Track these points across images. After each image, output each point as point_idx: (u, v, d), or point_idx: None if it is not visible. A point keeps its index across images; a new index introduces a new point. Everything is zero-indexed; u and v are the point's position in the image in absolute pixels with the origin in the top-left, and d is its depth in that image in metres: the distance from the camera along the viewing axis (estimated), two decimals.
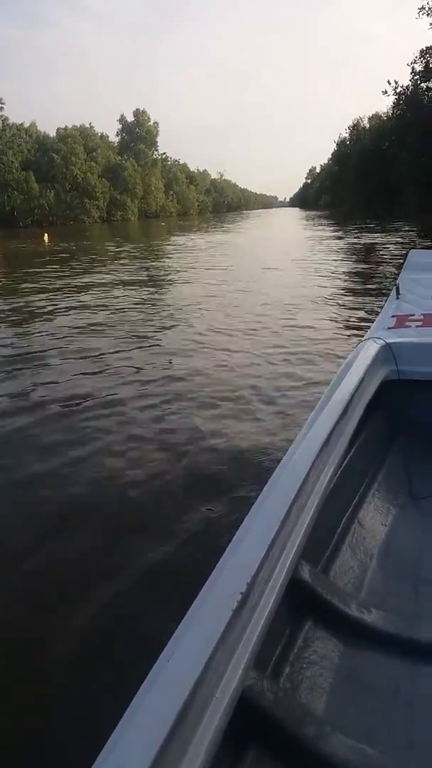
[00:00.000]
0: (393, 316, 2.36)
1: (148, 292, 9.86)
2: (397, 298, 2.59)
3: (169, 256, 18.59)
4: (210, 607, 0.79)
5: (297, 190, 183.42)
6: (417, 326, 2.21)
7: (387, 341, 2.00)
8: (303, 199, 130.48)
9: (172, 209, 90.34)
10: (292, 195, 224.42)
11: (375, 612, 1.16)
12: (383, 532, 1.57)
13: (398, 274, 2.98)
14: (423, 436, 2.01)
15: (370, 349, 1.91)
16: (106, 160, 74.53)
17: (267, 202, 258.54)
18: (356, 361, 1.81)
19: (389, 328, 2.23)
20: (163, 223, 58.14)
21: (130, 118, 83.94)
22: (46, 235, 30.82)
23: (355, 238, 19.95)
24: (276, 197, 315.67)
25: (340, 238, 21.08)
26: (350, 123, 68.37)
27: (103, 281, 11.51)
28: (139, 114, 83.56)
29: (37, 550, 2.31)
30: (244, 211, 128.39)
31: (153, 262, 16.56)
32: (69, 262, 16.59)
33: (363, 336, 2.27)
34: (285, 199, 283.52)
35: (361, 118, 65.94)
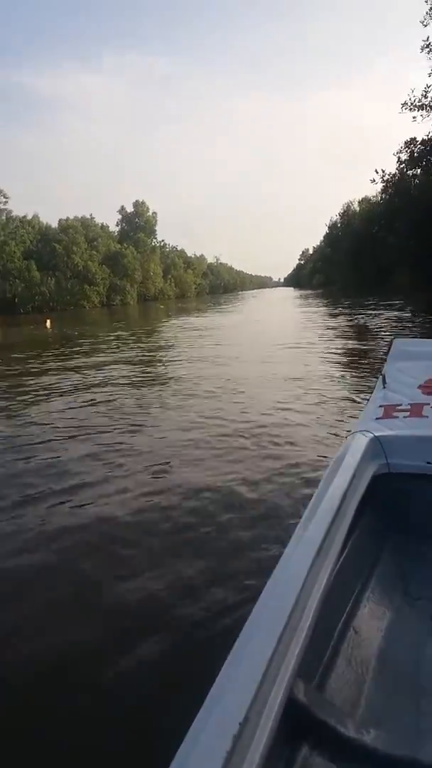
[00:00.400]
0: (380, 406, 2.37)
1: (142, 374, 10.21)
2: (384, 388, 2.60)
3: (167, 339, 18.97)
4: (204, 747, 0.76)
5: (291, 271, 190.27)
6: (404, 416, 2.22)
7: (375, 434, 1.99)
8: (297, 280, 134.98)
9: (170, 292, 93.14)
10: (286, 275, 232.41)
11: (374, 732, 1.09)
12: (379, 638, 1.51)
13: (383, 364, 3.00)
14: (415, 531, 1.97)
15: (359, 443, 1.91)
16: (107, 248, 77.50)
17: (262, 283, 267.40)
18: (346, 456, 1.80)
19: (377, 418, 2.24)
20: (162, 306, 59.54)
21: (129, 209, 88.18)
22: (48, 320, 31.41)
23: (349, 317, 20.15)
24: (270, 278, 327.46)
25: (333, 317, 21.34)
26: (341, 206, 71.71)
27: (100, 364, 11.91)
28: (138, 205, 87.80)
29: None
30: (240, 292, 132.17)
31: (150, 345, 16.91)
32: (68, 346, 17.16)
33: (352, 425, 2.30)
34: (279, 279, 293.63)
35: (351, 202, 69.32)
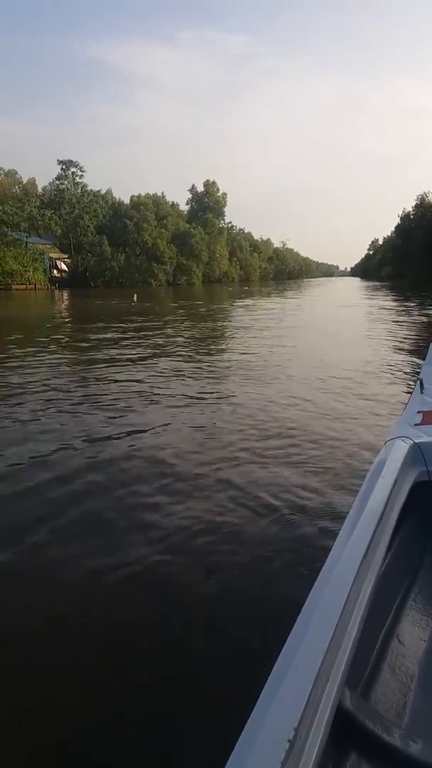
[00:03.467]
0: (419, 412, 2.33)
1: (218, 345, 12.21)
2: (422, 393, 2.57)
3: (239, 315, 21.66)
4: (260, 750, 0.76)
5: (358, 261, 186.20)
6: None
7: (415, 441, 1.95)
8: (364, 270, 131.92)
9: (235, 275, 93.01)
10: (353, 265, 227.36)
11: (420, 742, 1.08)
12: (423, 648, 1.50)
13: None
14: None
15: (398, 450, 1.87)
16: (176, 227, 78.07)
17: (328, 271, 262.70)
18: (386, 463, 1.76)
19: (416, 424, 2.20)
20: (230, 288, 60.40)
21: (200, 188, 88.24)
22: (135, 295, 34.64)
23: (419, 312, 19.90)
24: (337, 266, 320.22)
25: (401, 311, 21.02)
26: (415, 197, 69.35)
27: (199, 335, 14.20)
28: (209, 185, 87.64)
29: None
30: (305, 279, 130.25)
31: (230, 320, 19.77)
32: (165, 318, 20.02)
33: (389, 431, 2.27)
34: (346, 268, 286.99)
35: (426, 193, 67.04)
